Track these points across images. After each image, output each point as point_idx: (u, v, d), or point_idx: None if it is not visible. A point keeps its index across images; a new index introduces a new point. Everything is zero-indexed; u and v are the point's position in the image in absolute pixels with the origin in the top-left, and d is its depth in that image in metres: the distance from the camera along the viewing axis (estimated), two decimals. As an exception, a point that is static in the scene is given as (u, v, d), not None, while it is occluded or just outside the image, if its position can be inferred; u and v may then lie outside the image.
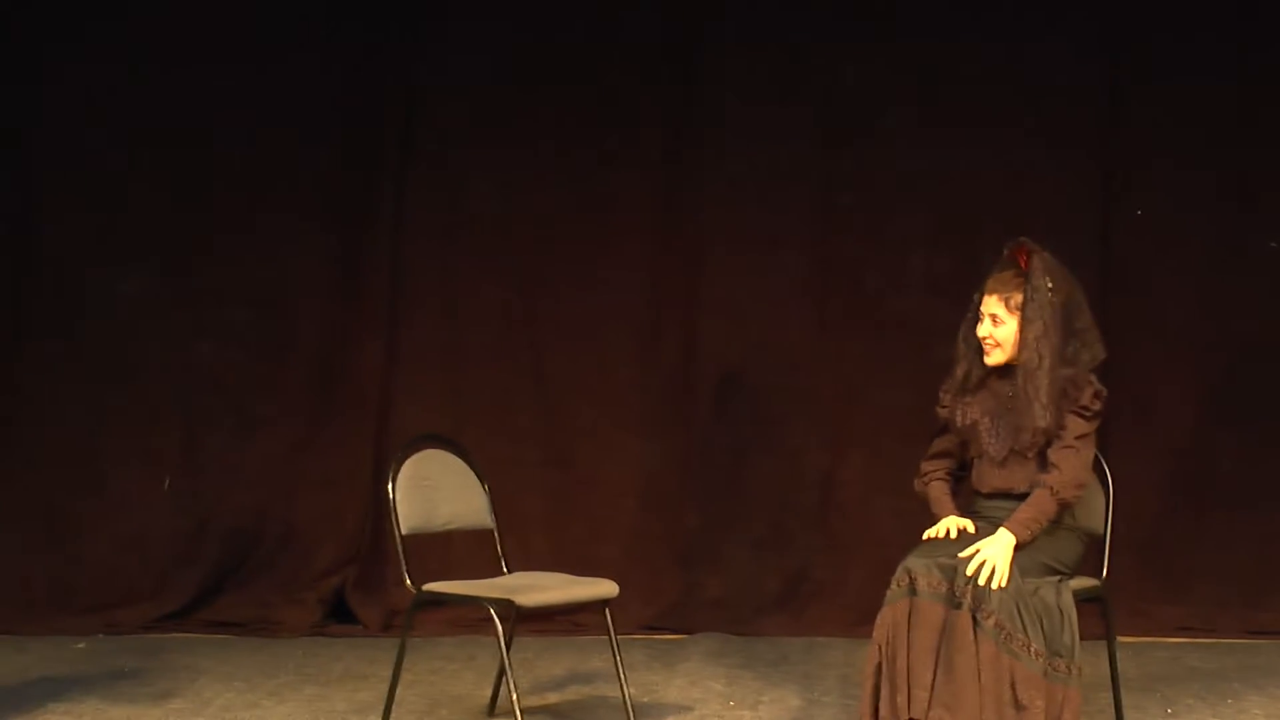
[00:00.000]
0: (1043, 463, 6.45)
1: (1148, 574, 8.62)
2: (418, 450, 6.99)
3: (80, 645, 8.51)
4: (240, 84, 9.00)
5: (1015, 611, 6.20)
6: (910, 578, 6.34)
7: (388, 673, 6.95)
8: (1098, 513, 6.80)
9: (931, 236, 8.83)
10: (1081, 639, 6.28)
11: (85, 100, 9.01)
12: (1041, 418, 6.37)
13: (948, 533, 6.50)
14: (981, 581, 6.18)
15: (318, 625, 8.83)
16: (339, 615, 8.91)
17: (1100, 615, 6.83)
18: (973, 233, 8.58)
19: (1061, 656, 6.19)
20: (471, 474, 7.09)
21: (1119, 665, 6.89)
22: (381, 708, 6.93)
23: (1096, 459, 6.83)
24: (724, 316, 8.97)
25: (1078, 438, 6.41)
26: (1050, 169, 8.84)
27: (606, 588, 6.84)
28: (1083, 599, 6.65)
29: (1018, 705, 6.13)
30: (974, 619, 6.20)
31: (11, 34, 8.97)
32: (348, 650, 8.38)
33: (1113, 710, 6.84)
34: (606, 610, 6.85)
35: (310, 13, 9.01)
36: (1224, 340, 8.84)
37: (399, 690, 6.93)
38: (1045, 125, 8.84)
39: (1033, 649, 6.16)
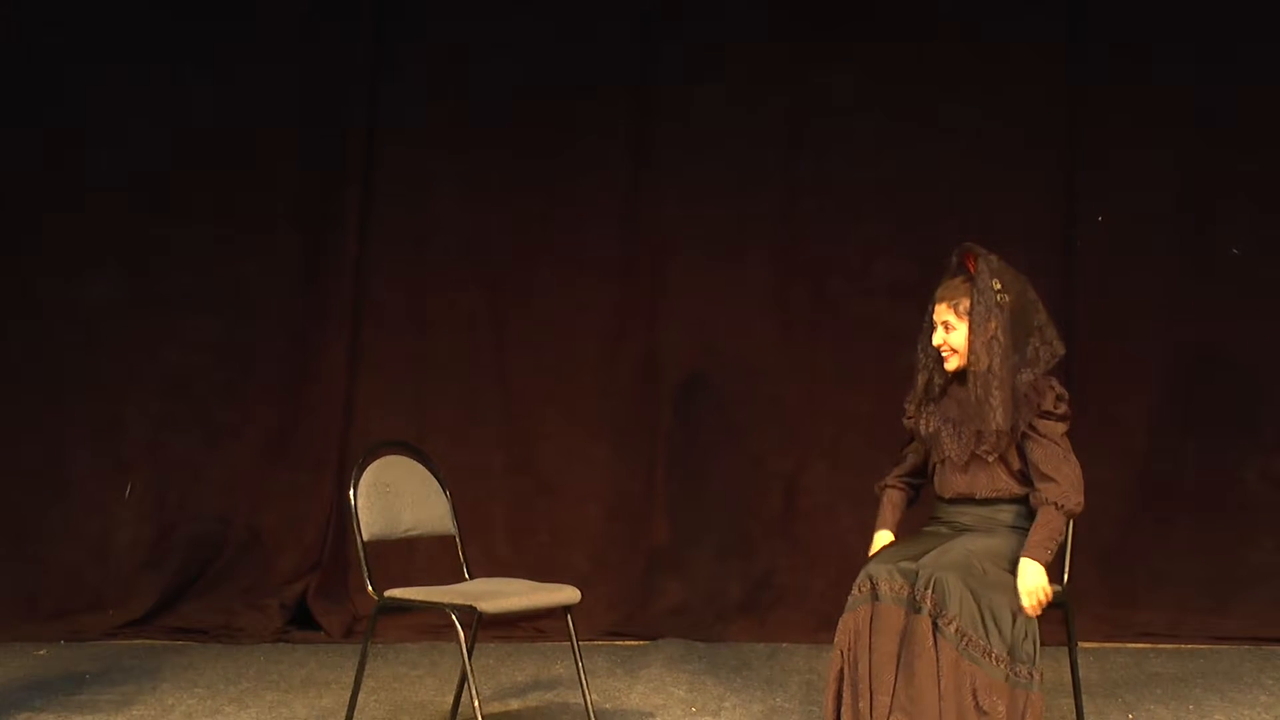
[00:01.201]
0: (1004, 467, 6.46)
1: (1110, 580, 8.65)
2: (380, 456, 6.97)
3: (42, 652, 8.49)
4: (203, 88, 9.01)
5: (977, 617, 6.20)
6: (872, 583, 6.34)
7: (350, 679, 6.97)
8: (1056, 517, 6.85)
9: (894, 242, 8.83)
10: (1043, 644, 6.26)
11: (46, 103, 9.01)
12: (993, 419, 6.37)
13: (905, 537, 6.57)
14: (1031, 611, 6.22)
15: (280, 632, 8.81)
16: (301, 622, 8.89)
17: (1062, 621, 6.79)
18: (935, 239, 8.41)
19: (1023, 662, 6.17)
20: (434, 480, 7.07)
21: (1081, 671, 6.87)
22: (344, 714, 6.89)
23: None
24: (688, 323, 8.99)
25: (1062, 443, 6.41)
26: (1013, 176, 8.86)
27: (569, 594, 6.82)
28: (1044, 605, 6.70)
29: (979, 710, 6.13)
30: (935, 624, 6.22)
31: None
32: (310, 656, 8.38)
33: (1074, 716, 6.81)
34: (569, 616, 6.84)
35: (277, 18, 9.00)
36: (1186, 347, 8.86)
37: (361, 697, 6.93)
38: (1007, 132, 8.86)
39: (994, 655, 6.16)
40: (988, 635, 6.16)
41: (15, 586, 8.91)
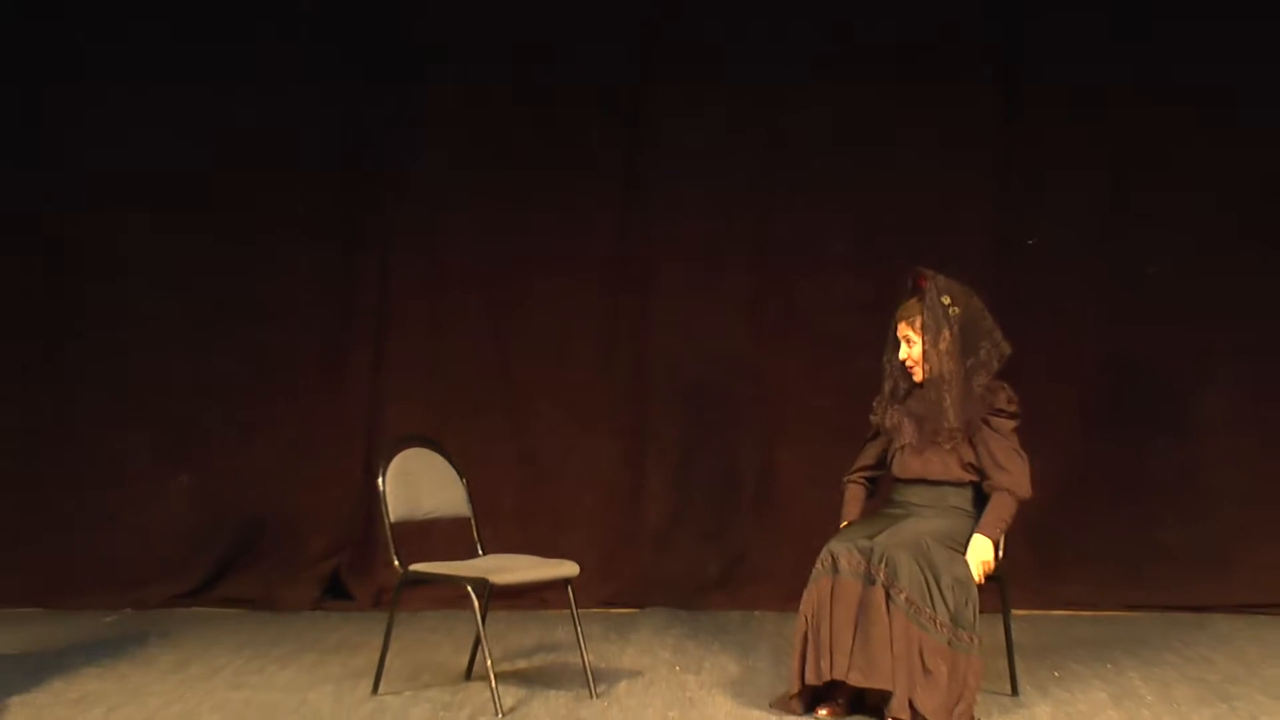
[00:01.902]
0: (956, 457, 6.57)
1: (1039, 556, 8.61)
2: (404, 449, 7.05)
3: (110, 619, 8.52)
4: (245, 117, 8.97)
5: (924, 589, 6.29)
6: (833, 558, 6.43)
7: (378, 643, 7.04)
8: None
9: (853, 261, 8.81)
10: (981, 612, 6.37)
11: (101, 129, 8.98)
12: (949, 418, 6.50)
13: (863, 516, 6.72)
14: (980, 581, 6.38)
15: (316, 602, 8.83)
16: (335, 593, 8.90)
17: (998, 592, 6.89)
18: (889, 258, 8.44)
19: (964, 628, 6.28)
20: (451, 469, 7.15)
21: (1014, 635, 6.97)
22: (373, 674, 6.98)
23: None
24: (673, 331, 8.97)
25: (1011, 439, 6.56)
26: (955, 203, 8.84)
27: (569, 568, 6.90)
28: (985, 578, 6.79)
29: (925, 670, 6.22)
30: (888, 595, 6.32)
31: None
32: (343, 623, 8.42)
33: (1008, 674, 6.90)
34: (569, 588, 6.92)
35: (314, 53, 8.96)
36: (1108, 353, 8.87)
37: (388, 658, 6.99)
38: (951, 165, 8.84)
39: (939, 621, 6.25)
40: (934, 605, 6.26)
41: (87, 562, 8.89)
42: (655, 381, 9.02)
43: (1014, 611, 7.07)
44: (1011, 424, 6.59)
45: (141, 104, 8.97)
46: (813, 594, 6.43)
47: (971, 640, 6.32)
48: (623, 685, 7.08)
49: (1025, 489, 6.54)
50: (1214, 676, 7.26)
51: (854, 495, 6.86)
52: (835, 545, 6.46)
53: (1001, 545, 6.78)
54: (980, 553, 6.44)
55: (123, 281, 8.99)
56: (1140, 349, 8.87)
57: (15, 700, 6.86)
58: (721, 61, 8.93)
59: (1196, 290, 8.83)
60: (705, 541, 8.92)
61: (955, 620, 6.30)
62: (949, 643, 6.27)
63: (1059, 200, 8.87)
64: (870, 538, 6.43)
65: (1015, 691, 6.87)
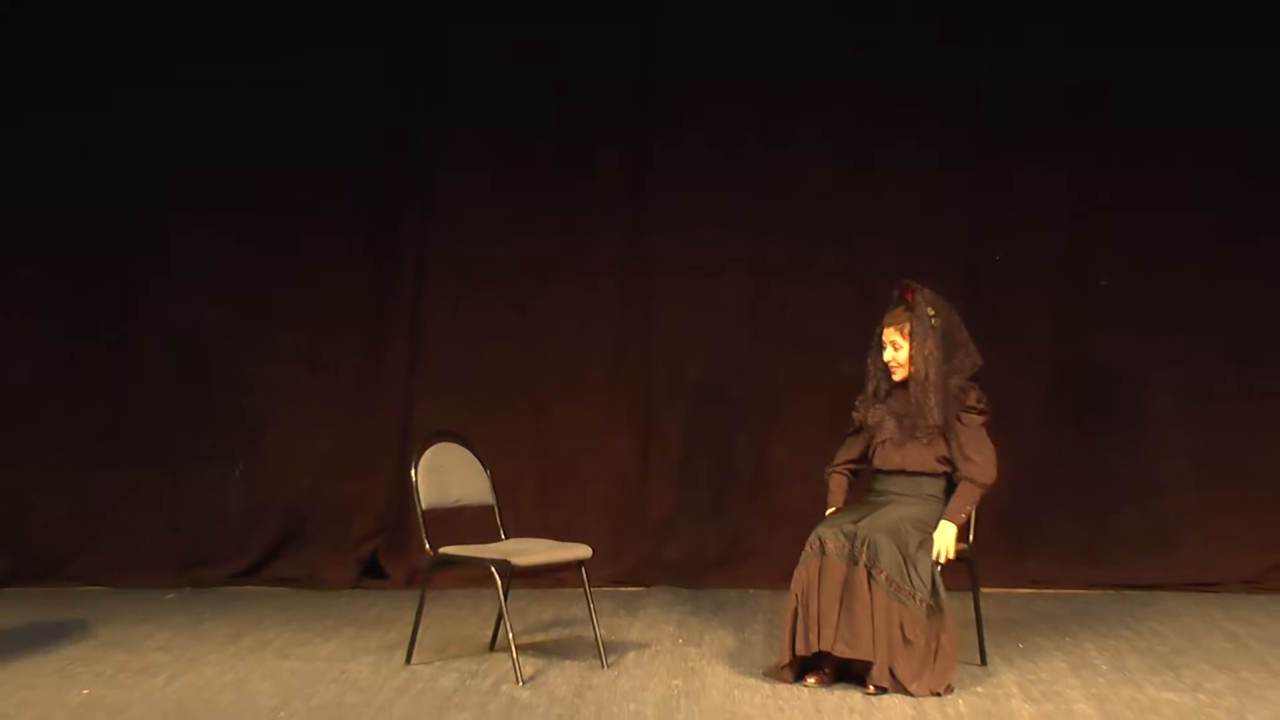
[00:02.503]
0: (932, 450, 6.63)
1: (1006, 540, 8.59)
2: (434, 443, 7.10)
3: (171, 597, 8.53)
4: (291, 135, 8.93)
5: (902, 568, 6.35)
6: (821, 542, 6.49)
7: (411, 618, 7.09)
8: (965, 490, 6.96)
9: (841, 273, 8.80)
10: (953, 590, 6.47)
11: (167, 147, 8.96)
12: (932, 416, 6.58)
13: (847, 504, 6.77)
14: (942, 560, 6.44)
15: (356, 581, 8.83)
16: (372, 573, 8.90)
17: (968, 572, 6.97)
18: (874, 269, 8.61)
19: (939, 602, 6.39)
20: (477, 461, 7.20)
21: (983, 611, 7.03)
22: (406, 645, 7.04)
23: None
24: (676, 336, 8.96)
25: (978, 429, 6.64)
26: (933, 221, 8.83)
27: (582, 551, 6.95)
28: (955, 559, 6.83)
29: (905, 640, 6.30)
30: (869, 574, 6.39)
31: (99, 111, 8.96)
32: (379, 600, 8.43)
33: (978, 646, 6.94)
34: (583, 569, 6.98)
35: (357, 75, 8.92)
36: (1067, 356, 8.86)
37: (419, 632, 7.04)
38: (929, 188, 8.83)
39: (916, 596, 6.33)
40: (911, 582, 6.34)
41: (151, 545, 8.90)
42: (660, 382, 9.00)
43: (983, 589, 7.13)
44: (980, 419, 6.67)
45: (200, 124, 8.97)
46: (802, 574, 6.50)
47: (943, 609, 6.41)
48: (631, 656, 7.12)
49: (989, 476, 6.63)
50: (1162, 648, 7.31)
51: (838, 485, 6.91)
52: (822, 530, 6.53)
53: (971, 529, 6.86)
54: (944, 537, 6.53)
55: (183, 288, 8.98)
56: (1096, 353, 8.86)
57: (86, 670, 6.93)
58: (719, 88, 8.88)
59: (1146, 300, 8.82)
60: (705, 526, 8.93)
61: (932, 595, 6.38)
62: (925, 614, 6.35)
63: (1024, 220, 8.85)
64: (854, 523, 6.50)
65: (984, 661, 6.91)
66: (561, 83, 8.92)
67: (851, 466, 6.92)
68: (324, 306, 9.01)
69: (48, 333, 9.01)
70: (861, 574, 6.38)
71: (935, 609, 6.40)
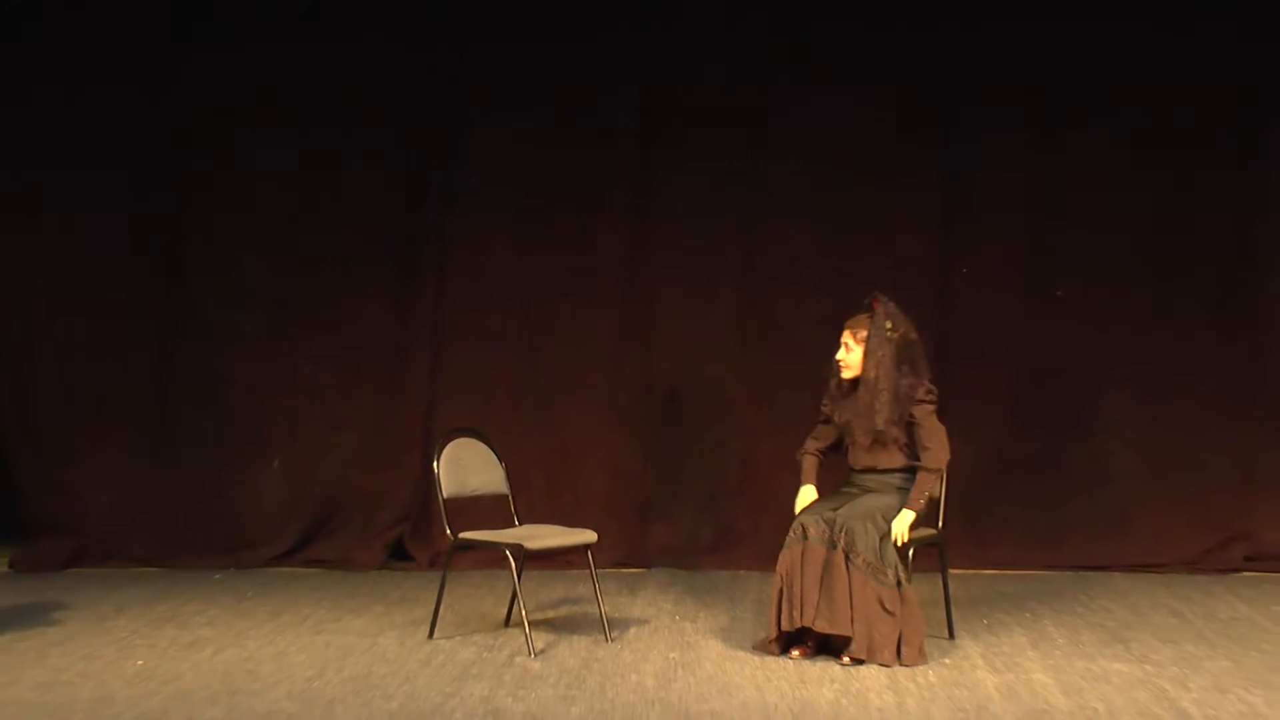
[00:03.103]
0: (897, 445, 6.64)
1: (972, 526, 8.59)
2: (454, 438, 7.12)
3: (217, 577, 8.54)
4: (324, 174, 8.93)
5: (875, 550, 6.40)
6: (803, 528, 6.52)
7: (433, 596, 7.10)
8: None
9: (823, 285, 8.75)
10: (924, 572, 6.54)
11: (222, 188, 8.97)
12: (878, 418, 6.59)
13: (824, 494, 6.74)
14: (899, 543, 6.47)
15: (384, 563, 8.82)
16: (399, 556, 8.89)
17: (938, 555, 7.02)
18: (852, 283, 8.34)
19: (905, 576, 6.44)
20: (493, 455, 7.21)
21: (951, 590, 7.06)
22: (429, 621, 7.07)
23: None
24: (673, 342, 8.94)
25: (930, 420, 6.62)
26: (906, 240, 8.81)
27: (588, 536, 6.97)
28: (925, 544, 6.83)
29: (886, 612, 6.35)
30: (847, 558, 6.41)
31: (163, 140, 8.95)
32: (405, 580, 8.43)
33: (946, 622, 6.96)
34: (589, 552, 6.99)
35: (384, 104, 8.89)
36: (1027, 361, 8.84)
37: (441, 609, 7.07)
38: (902, 209, 8.82)
39: (890, 574, 6.39)
40: (883, 561, 6.39)
41: (198, 531, 8.90)
42: (658, 383, 8.99)
43: (951, 571, 7.17)
44: (930, 409, 6.65)
45: (244, 152, 8.94)
46: (787, 557, 6.54)
47: (908, 578, 6.46)
48: (632, 631, 7.13)
49: (941, 461, 6.62)
50: (1113, 623, 7.32)
51: (810, 464, 6.91)
52: (804, 518, 6.56)
53: (941, 517, 6.90)
54: (902, 523, 6.53)
55: (226, 299, 8.96)
56: (1053, 357, 8.85)
57: (141, 643, 6.95)
58: (711, 119, 8.87)
59: (1098, 308, 8.81)
60: (699, 514, 8.92)
61: (897, 569, 6.43)
62: (896, 585, 6.40)
63: (987, 237, 8.85)
64: (834, 510, 6.51)
65: (952, 636, 6.92)
66: (569, 116, 8.91)
67: (821, 449, 6.92)
68: (353, 315, 9.00)
69: (103, 340, 8.99)
70: (840, 557, 6.42)
71: (904, 577, 6.46)
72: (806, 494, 6.83)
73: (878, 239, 8.85)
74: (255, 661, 6.61)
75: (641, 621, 7.33)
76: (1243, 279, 8.77)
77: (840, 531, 6.43)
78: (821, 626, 6.42)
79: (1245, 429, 8.77)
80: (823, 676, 6.27)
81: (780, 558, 6.56)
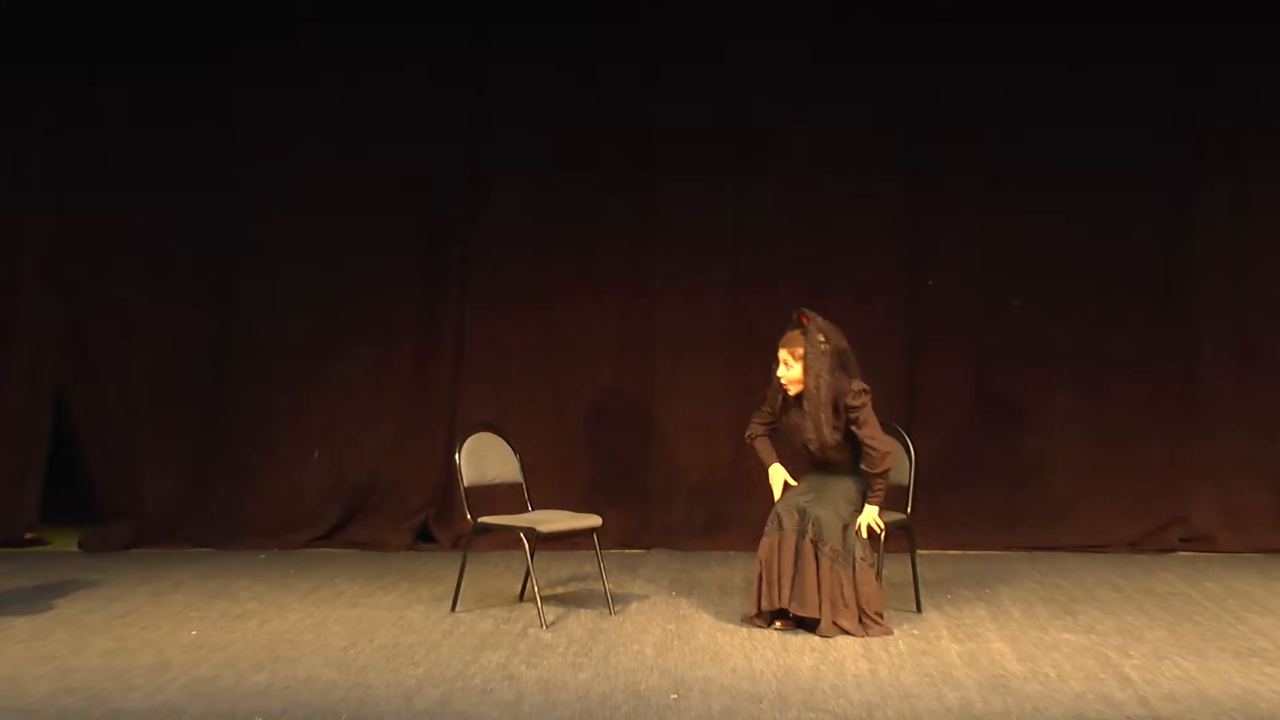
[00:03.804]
0: (843, 444, 6.53)
1: (937, 511, 8.57)
2: (474, 432, 7.13)
3: (263, 557, 8.51)
4: (359, 198, 8.89)
5: (840, 539, 6.38)
6: (779, 518, 6.51)
7: (455, 574, 7.10)
8: (904, 470, 6.93)
9: (802, 297, 8.40)
10: (893, 553, 6.53)
11: (268, 211, 8.93)
12: (819, 430, 6.49)
13: (797, 481, 6.67)
14: (865, 535, 6.44)
15: (411, 544, 8.79)
16: (424, 538, 8.86)
17: (906, 538, 7.01)
18: (829, 295, 8.43)
19: (866, 558, 6.43)
20: (509, 447, 7.20)
21: (918, 569, 7.06)
22: (451, 596, 7.07)
23: (904, 440, 6.97)
24: (670, 347, 8.91)
25: (863, 424, 6.47)
26: (875, 259, 8.78)
27: (594, 520, 6.98)
28: (894, 527, 6.82)
29: (858, 593, 6.36)
30: (816, 547, 6.39)
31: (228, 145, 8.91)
32: (430, 560, 8.42)
33: (914, 597, 6.96)
34: (594, 535, 7.00)
35: (410, 157, 8.86)
36: (985, 362, 8.82)
37: (462, 585, 7.07)
38: (873, 229, 8.79)
39: (852, 559, 6.38)
40: (845, 547, 6.38)
41: (246, 514, 8.85)
42: (658, 384, 8.95)
43: (919, 552, 7.17)
44: (865, 411, 6.48)
45: (288, 179, 8.92)
46: (766, 544, 6.54)
47: (867, 562, 6.43)
48: (633, 606, 7.12)
49: (881, 464, 6.48)
50: (1062, 598, 7.32)
51: (765, 445, 6.83)
52: (780, 509, 6.53)
53: (909, 503, 6.90)
54: (868, 516, 6.48)
55: (272, 308, 8.93)
56: (1010, 359, 8.82)
57: (195, 616, 6.96)
58: (703, 148, 8.85)
59: (1049, 316, 8.79)
60: (694, 500, 8.89)
61: (861, 551, 6.42)
62: (854, 567, 6.39)
63: (950, 252, 8.83)
64: (806, 501, 6.48)
65: (919, 610, 6.92)
66: (576, 146, 8.88)
67: (767, 426, 6.79)
68: (385, 322, 8.97)
69: (162, 345, 8.97)
70: (809, 547, 6.41)
71: (868, 560, 6.44)
72: (776, 472, 6.75)
73: (850, 254, 8.84)
74: (296, 632, 6.61)
75: (641, 597, 7.32)
76: (1174, 289, 8.77)
77: (810, 524, 6.43)
78: (794, 609, 6.43)
79: (1179, 423, 8.76)
80: (804, 646, 6.26)
81: (761, 544, 6.56)
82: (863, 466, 6.54)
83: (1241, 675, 5.86)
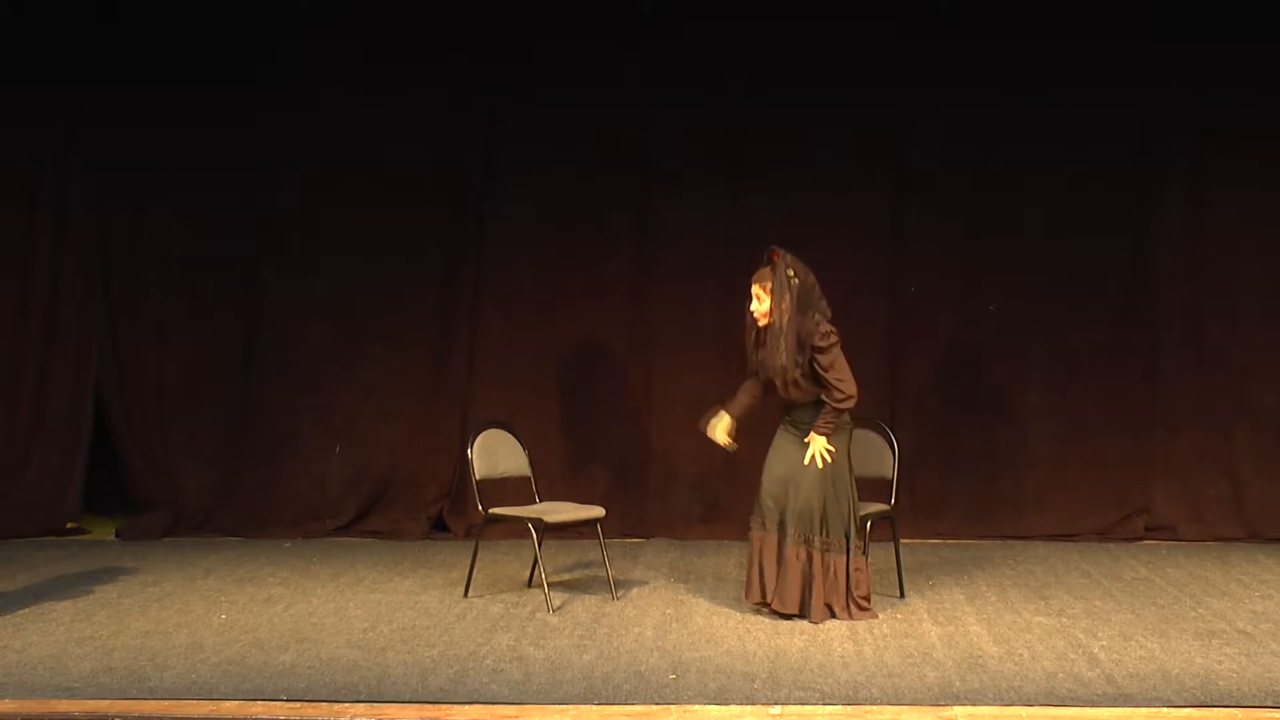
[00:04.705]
0: (806, 383, 6.32)
1: (919, 503, 8.55)
2: (486, 429, 7.11)
3: (287, 546, 8.49)
4: (376, 209, 8.85)
5: (817, 529, 6.29)
6: (763, 516, 6.43)
7: (468, 562, 7.10)
8: (887, 464, 6.92)
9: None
10: (877, 543, 6.49)
11: (292, 220, 8.94)
12: (784, 357, 6.26)
13: (773, 442, 6.55)
14: (819, 465, 6.26)
15: (426, 534, 8.77)
16: (439, 528, 8.84)
17: (889, 527, 6.99)
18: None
19: (849, 540, 6.36)
20: (518, 443, 7.18)
21: (901, 557, 7.04)
22: (464, 582, 7.07)
23: (887, 435, 6.95)
24: (668, 351, 8.87)
25: (830, 365, 6.28)
26: (861, 261, 8.72)
27: (598, 511, 6.97)
28: (878, 518, 6.81)
29: (848, 577, 6.32)
30: (801, 546, 6.32)
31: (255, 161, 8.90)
32: (444, 548, 8.39)
33: (897, 583, 6.94)
34: (598, 525, 7.00)
35: (426, 174, 8.85)
36: (964, 362, 8.78)
37: (474, 572, 7.07)
38: (857, 236, 8.74)
39: (829, 546, 6.31)
40: (828, 534, 6.31)
41: (272, 504, 8.82)
42: (657, 384, 8.91)
43: (901, 540, 7.15)
44: (832, 353, 6.29)
45: (310, 193, 8.91)
46: (754, 540, 6.49)
47: (857, 545, 6.36)
48: (635, 591, 7.11)
49: (844, 401, 6.29)
50: (1035, 583, 7.32)
51: (740, 401, 6.65)
52: (764, 500, 6.42)
53: (894, 495, 6.87)
54: (818, 445, 6.32)
55: (296, 312, 8.91)
56: (986, 359, 8.80)
57: (225, 599, 6.96)
58: (699, 165, 8.82)
59: (1023, 318, 8.76)
60: (691, 492, 8.86)
61: (846, 536, 6.34)
62: (841, 552, 6.33)
63: (930, 259, 8.80)
64: (782, 491, 6.35)
65: (902, 595, 6.91)
66: (581, 162, 8.85)
67: (748, 389, 6.65)
68: (402, 325, 8.95)
69: (195, 347, 8.96)
70: (790, 545, 6.34)
71: (851, 546, 6.37)
72: (719, 417, 6.61)
73: (836, 263, 8.55)
74: (319, 615, 6.61)
75: (642, 583, 7.31)
76: (1138, 293, 8.74)
77: (786, 520, 6.35)
78: (776, 606, 6.39)
79: (1144, 418, 8.73)
80: (794, 629, 6.26)
81: (750, 537, 6.51)
82: (823, 397, 6.33)
83: (1201, 655, 5.86)
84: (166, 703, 5.27)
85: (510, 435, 7.18)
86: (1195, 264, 8.72)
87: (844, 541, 6.36)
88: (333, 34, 8.77)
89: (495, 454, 7.06)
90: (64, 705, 5.23)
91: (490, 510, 6.84)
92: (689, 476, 8.87)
